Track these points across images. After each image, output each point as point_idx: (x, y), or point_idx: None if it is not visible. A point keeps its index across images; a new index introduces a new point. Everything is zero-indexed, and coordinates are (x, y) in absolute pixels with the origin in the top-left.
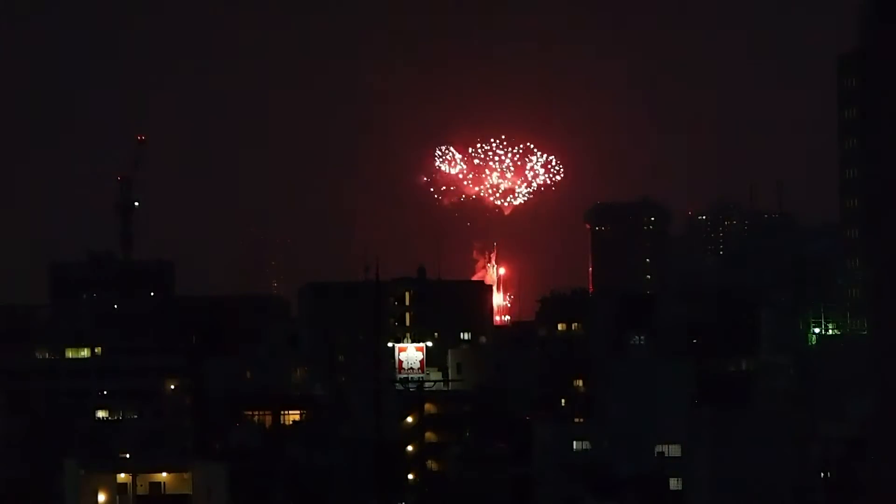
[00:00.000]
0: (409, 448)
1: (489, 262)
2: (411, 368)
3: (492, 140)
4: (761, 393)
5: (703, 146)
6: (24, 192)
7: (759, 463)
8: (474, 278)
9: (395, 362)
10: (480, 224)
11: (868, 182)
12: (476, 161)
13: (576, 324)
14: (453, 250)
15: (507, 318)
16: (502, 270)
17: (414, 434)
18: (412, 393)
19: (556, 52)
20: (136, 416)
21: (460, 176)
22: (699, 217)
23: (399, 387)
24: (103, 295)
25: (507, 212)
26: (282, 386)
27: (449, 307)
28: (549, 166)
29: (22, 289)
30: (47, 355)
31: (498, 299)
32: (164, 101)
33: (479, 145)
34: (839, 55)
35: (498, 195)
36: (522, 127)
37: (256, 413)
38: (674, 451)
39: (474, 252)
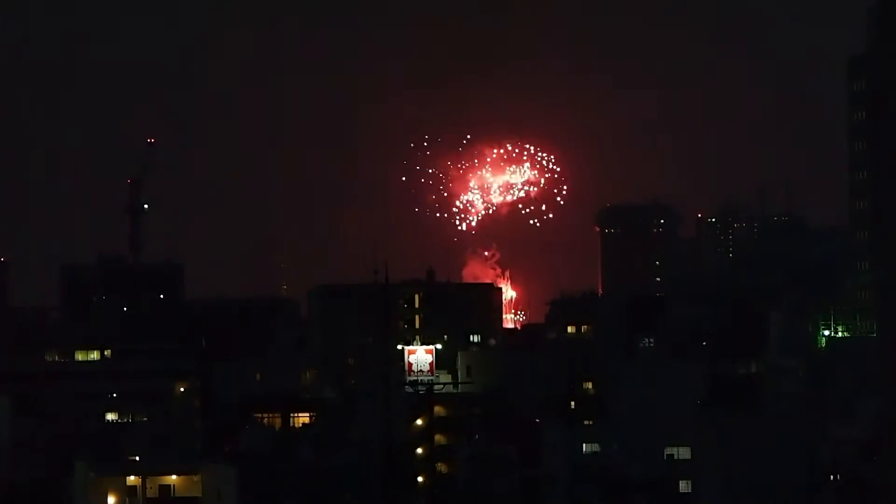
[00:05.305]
0: (419, 450)
1: (501, 277)
2: (421, 371)
3: (496, 142)
4: (770, 395)
5: (712, 148)
6: (34, 195)
7: (769, 465)
8: (467, 275)
9: (404, 365)
10: (481, 225)
11: (877, 184)
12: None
13: (585, 326)
14: (450, 251)
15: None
16: (513, 294)
17: (423, 436)
18: (421, 395)
19: (563, 54)
20: (145, 419)
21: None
22: (708, 219)
23: (408, 389)
24: (113, 297)
25: (504, 211)
26: (291, 388)
27: (458, 309)
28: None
29: (33, 291)
30: (57, 357)
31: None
32: (174, 104)
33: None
34: (849, 58)
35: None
36: (527, 129)
37: (266, 415)
38: (683, 453)
39: (468, 251)
